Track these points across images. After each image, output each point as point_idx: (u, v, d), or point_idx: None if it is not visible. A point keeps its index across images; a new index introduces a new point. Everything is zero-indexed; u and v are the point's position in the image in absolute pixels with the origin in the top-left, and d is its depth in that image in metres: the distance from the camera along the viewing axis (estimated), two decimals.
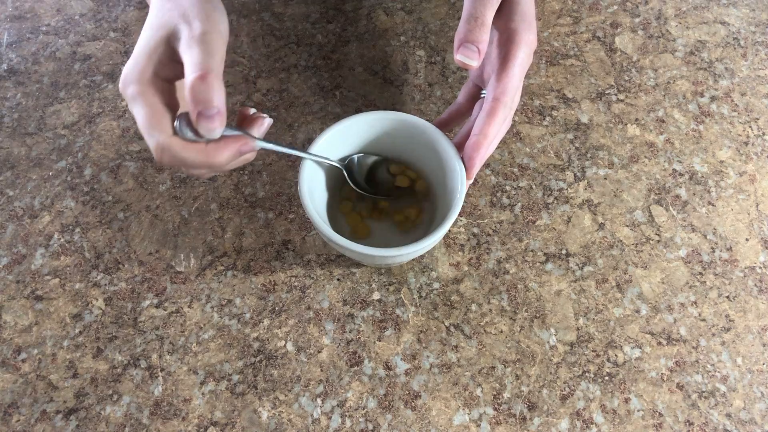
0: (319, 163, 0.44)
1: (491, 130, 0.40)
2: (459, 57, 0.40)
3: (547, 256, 0.49)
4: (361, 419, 0.43)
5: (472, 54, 0.39)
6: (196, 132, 0.34)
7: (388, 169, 0.48)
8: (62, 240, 0.50)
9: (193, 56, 0.33)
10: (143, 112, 0.34)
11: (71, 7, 0.61)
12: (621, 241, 0.50)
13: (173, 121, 0.34)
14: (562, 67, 0.58)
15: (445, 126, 0.47)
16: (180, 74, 0.35)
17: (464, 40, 0.39)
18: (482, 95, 0.45)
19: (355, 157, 0.47)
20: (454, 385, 0.45)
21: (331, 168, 0.46)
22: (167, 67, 0.35)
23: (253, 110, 0.39)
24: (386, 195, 0.48)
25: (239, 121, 0.39)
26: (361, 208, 0.48)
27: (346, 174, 0.46)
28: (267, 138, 0.54)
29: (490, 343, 0.46)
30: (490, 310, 0.47)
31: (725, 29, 0.61)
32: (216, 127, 0.33)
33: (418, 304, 0.47)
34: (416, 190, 0.48)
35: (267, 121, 0.39)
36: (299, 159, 0.40)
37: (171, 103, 0.35)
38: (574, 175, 0.53)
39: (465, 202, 0.51)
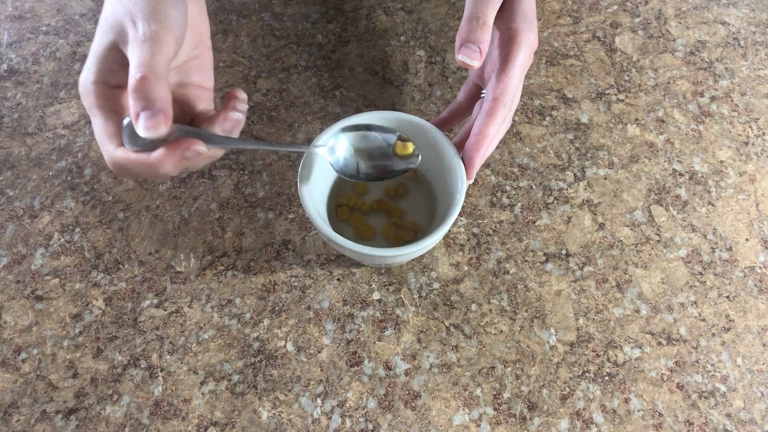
0: (315, 161, 0.44)
1: (491, 130, 0.40)
2: (460, 57, 0.40)
3: (547, 256, 0.49)
4: (361, 419, 0.43)
5: (473, 54, 0.39)
6: (138, 138, 0.33)
7: (387, 147, 0.43)
8: (62, 240, 0.50)
9: (135, 58, 0.32)
10: (95, 123, 0.34)
11: (71, 7, 0.61)
12: (621, 241, 0.50)
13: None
14: (562, 67, 0.58)
15: (444, 125, 0.47)
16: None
17: (466, 39, 0.39)
18: (482, 95, 0.45)
19: (337, 137, 0.42)
20: (454, 385, 0.45)
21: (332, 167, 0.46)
22: (117, 74, 0.34)
23: (242, 97, 0.37)
24: (382, 177, 0.42)
25: (201, 120, 0.37)
26: (359, 205, 0.48)
27: (328, 159, 0.41)
28: (265, 136, 0.54)
29: (490, 343, 0.46)
30: (490, 310, 0.47)
31: (725, 29, 0.61)
32: (157, 125, 0.31)
33: (418, 304, 0.47)
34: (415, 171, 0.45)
35: (234, 116, 0.36)
36: (299, 159, 0.40)
37: (122, 112, 0.34)
38: (574, 175, 0.53)
39: (465, 202, 0.51)
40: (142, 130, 0.31)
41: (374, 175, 0.42)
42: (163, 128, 0.32)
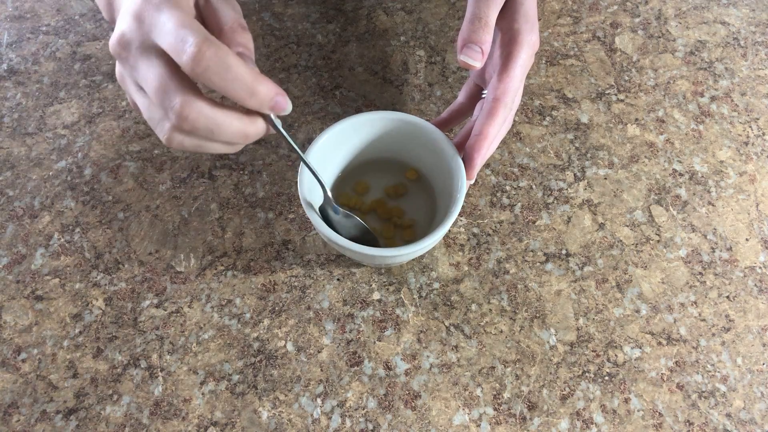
0: (319, 161, 0.44)
1: (491, 130, 0.40)
2: (462, 58, 0.40)
3: (547, 256, 0.49)
4: (361, 419, 0.43)
5: (475, 55, 0.39)
6: None
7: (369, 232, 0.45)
8: (62, 240, 0.50)
9: (227, 11, 0.34)
10: (178, 12, 0.29)
11: (71, 7, 0.61)
12: (621, 241, 0.50)
13: None
14: (562, 67, 0.58)
15: (445, 125, 0.47)
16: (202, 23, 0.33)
17: (468, 40, 0.39)
18: (483, 95, 0.45)
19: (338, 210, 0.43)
20: (454, 385, 0.45)
21: (332, 167, 0.46)
22: (195, 11, 0.33)
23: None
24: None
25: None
26: (359, 205, 0.48)
27: (330, 195, 0.42)
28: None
29: (490, 343, 0.46)
30: (490, 310, 0.47)
31: (725, 29, 0.61)
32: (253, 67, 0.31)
33: (418, 304, 0.47)
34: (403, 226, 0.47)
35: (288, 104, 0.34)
36: (299, 159, 0.40)
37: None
38: (574, 175, 0.53)
39: (465, 202, 0.51)
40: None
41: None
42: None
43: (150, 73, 0.30)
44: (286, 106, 0.32)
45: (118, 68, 0.33)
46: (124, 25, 0.30)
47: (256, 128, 0.32)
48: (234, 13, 0.35)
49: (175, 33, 0.28)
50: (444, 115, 0.48)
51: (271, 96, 0.30)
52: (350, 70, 0.58)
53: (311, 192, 0.42)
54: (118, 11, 0.34)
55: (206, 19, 0.34)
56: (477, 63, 0.39)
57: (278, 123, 0.34)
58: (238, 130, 0.31)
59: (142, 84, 0.31)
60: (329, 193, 0.42)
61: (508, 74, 0.40)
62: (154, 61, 0.30)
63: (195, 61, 0.28)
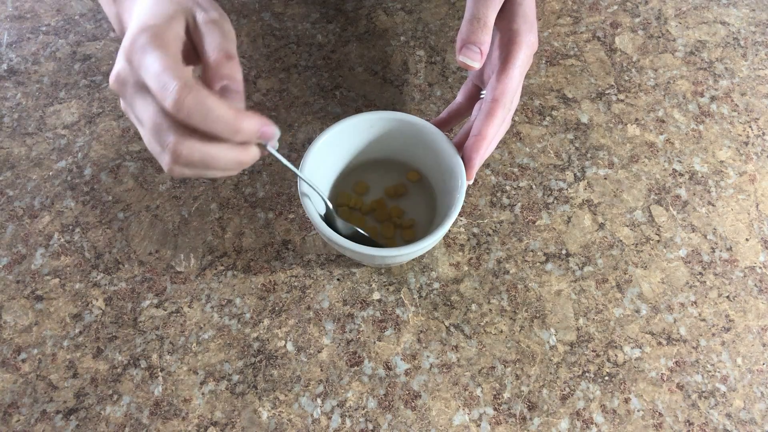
0: (319, 162, 0.44)
1: (490, 130, 0.41)
2: (461, 58, 0.40)
3: (547, 256, 0.49)
4: (361, 419, 0.43)
5: (474, 55, 0.39)
6: None
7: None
8: (62, 240, 0.50)
9: (214, 38, 0.33)
10: (161, 54, 0.30)
11: (71, 7, 0.61)
12: (621, 241, 0.50)
13: None
14: (562, 67, 0.58)
15: (443, 125, 0.47)
16: (190, 52, 0.34)
17: (466, 41, 0.39)
18: (482, 95, 0.45)
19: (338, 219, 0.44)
20: (454, 385, 0.45)
21: (331, 167, 0.46)
22: (182, 40, 0.33)
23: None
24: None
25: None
26: (359, 205, 0.48)
27: (330, 208, 0.43)
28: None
29: (490, 343, 0.46)
30: (490, 310, 0.47)
31: (725, 29, 0.61)
32: (238, 101, 0.33)
33: (418, 304, 0.47)
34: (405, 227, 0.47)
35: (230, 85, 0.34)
36: (299, 159, 0.40)
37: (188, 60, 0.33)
38: (574, 175, 0.53)
39: (465, 202, 0.51)
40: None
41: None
42: (240, 105, 0.33)
43: (145, 112, 0.31)
44: (273, 135, 0.33)
45: (121, 101, 0.34)
46: (118, 64, 0.32)
47: (249, 156, 0.33)
48: (222, 39, 0.33)
49: (157, 78, 0.29)
50: (443, 115, 0.48)
51: (255, 130, 0.31)
52: (350, 70, 0.58)
53: (311, 192, 0.42)
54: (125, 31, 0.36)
55: (196, 45, 0.35)
56: (476, 63, 0.39)
57: (276, 145, 0.35)
58: (232, 160, 0.32)
59: (140, 120, 0.32)
60: (330, 205, 0.42)
61: (507, 75, 0.40)
62: (147, 99, 0.31)
63: (176, 107, 0.29)
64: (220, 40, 0.33)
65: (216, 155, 0.31)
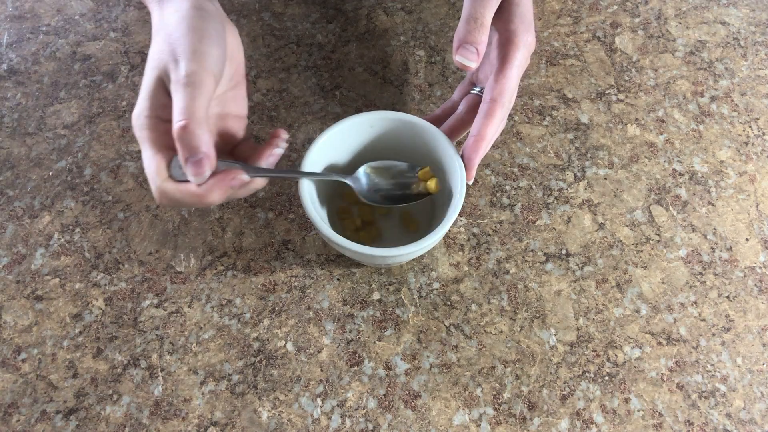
0: (319, 162, 0.44)
1: (489, 131, 0.41)
2: (458, 58, 0.40)
3: (547, 256, 0.49)
4: (361, 419, 0.43)
5: (471, 55, 0.39)
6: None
7: (404, 173, 0.46)
8: (62, 240, 0.50)
9: (177, 102, 0.33)
10: (145, 156, 0.35)
11: (71, 7, 0.61)
12: (621, 241, 0.50)
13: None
14: (562, 67, 0.58)
15: (438, 122, 0.47)
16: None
17: (463, 41, 0.39)
18: (472, 92, 0.45)
19: (362, 169, 0.45)
20: (454, 385, 0.45)
21: (331, 167, 0.46)
22: (167, 108, 0.35)
23: (284, 137, 0.39)
24: (401, 201, 0.45)
25: (248, 154, 0.39)
26: (362, 213, 0.48)
27: (353, 187, 0.44)
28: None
29: (490, 343, 0.46)
30: (490, 310, 0.47)
31: (725, 29, 0.61)
32: (203, 172, 0.34)
33: (418, 304, 0.47)
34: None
35: (277, 152, 0.39)
36: (300, 159, 0.40)
37: (171, 144, 0.35)
38: (574, 175, 0.53)
39: (465, 202, 0.51)
40: (190, 175, 0.34)
41: (393, 199, 0.45)
42: (208, 171, 0.34)
43: (143, 156, 0.36)
44: (243, 180, 0.36)
45: None
46: (134, 112, 0.36)
47: (212, 199, 0.35)
48: (186, 102, 0.33)
49: (144, 169, 0.35)
50: (437, 112, 0.48)
51: (223, 196, 0.35)
52: (350, 70, 0.58)
53: (312, 192, 0.42)
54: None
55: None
56: (472, 63, 0.40)
57: (256, 174, 0.38)
58: (197, 204, 0.36)
59: None
60: (348, 181, 0.44)
61: (505, 75, 0.40)
62: (143, 151, 0.36)
63: (157, 199, 0.36)
64: (181, 105, 0.33)
65: (187, 200, 0.36)
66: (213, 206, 0.43)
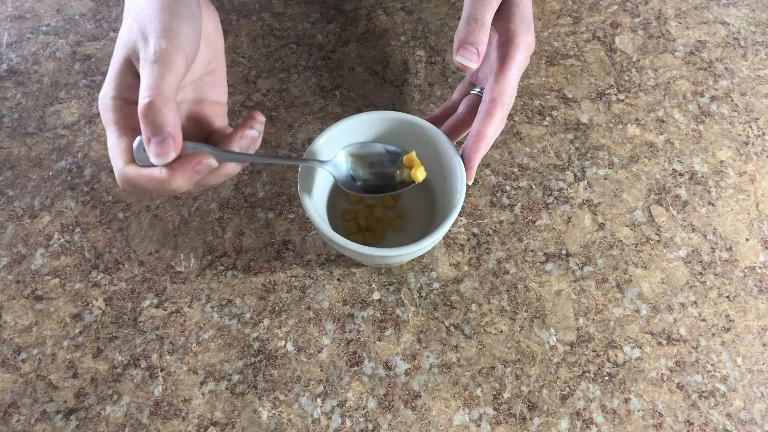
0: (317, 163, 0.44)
1: (489, 131, 0.41)
2: (458, 59, 0.40)
3: (547, 256, 0.49)
4: (361, 419, 0.43)
5: (471, 56, 0.39)
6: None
7: (390, 160, 0.43)
8: (62, 240, 0.50)
9: (144, 80, 0.32)
10: (109, 139, 0.34)
11: (71, 7, 0.61)
12: (621, 241, 0.50)
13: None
14: (562, 67, 0.58)
15: (438, 122, 0.47)
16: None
17: (464, 41, 0.39)
18: (472, 92, 0.45)
19: (343, 151, 0.42)
20: (454, 385, 0.45)
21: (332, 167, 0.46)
22: (134, 90, 0.33)
23: (260, 119, 0.37)
24: (384, 191, 0.43)
25: (219, 138, 0.37)
26: (366, 215, 0.48)
27: (332, 173, 0.42)
28: (265, 137, 0.54)
29: (490, 343, 0.46)
30: (490, 310, 0.47)
31: (725, 29, 0.61)
32: (167, 152, 0.32)
33: (418, 304, 0.47)
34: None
35: (250, 134, 0.36)
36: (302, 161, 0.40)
37: (137, 127, 0.33)
38: (574, 175, 0.53)
39: (465, 202, 0.51)
40: (152, 156, 0.32)
41: (374, 188, 0.43)
42: (173, 154, 0.32)
43: (108, 139, 0.35)
44: (210, 165, 0.34)
45: None
46: (100, 93, 0.35)
47: (176, 185, 0.33)
48: (154, 80, 0.32)
49: (109, 151, 0.34)
50: (437, 112, 0.48)
51: (189, 182, 0.33)
52: (350, 70, 0.58)
53: (311, 192, 0.42)
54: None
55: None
56: (472, 64, 0.40)
57: (225, 158, 0.35)
58: (161, 190, 0.34)
59: None
60: (349, 166, 0.42)
61: (505, 75, 0.40)
62: (107, 133, 0.35)
63: (120, 186, 0.34)
64: (148, 83, 0.31)
65: (148, 185, 0.34)
66: (197, 191, 0.39)
